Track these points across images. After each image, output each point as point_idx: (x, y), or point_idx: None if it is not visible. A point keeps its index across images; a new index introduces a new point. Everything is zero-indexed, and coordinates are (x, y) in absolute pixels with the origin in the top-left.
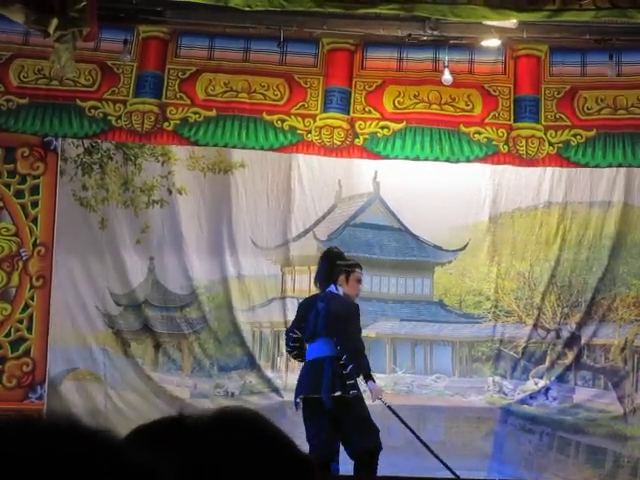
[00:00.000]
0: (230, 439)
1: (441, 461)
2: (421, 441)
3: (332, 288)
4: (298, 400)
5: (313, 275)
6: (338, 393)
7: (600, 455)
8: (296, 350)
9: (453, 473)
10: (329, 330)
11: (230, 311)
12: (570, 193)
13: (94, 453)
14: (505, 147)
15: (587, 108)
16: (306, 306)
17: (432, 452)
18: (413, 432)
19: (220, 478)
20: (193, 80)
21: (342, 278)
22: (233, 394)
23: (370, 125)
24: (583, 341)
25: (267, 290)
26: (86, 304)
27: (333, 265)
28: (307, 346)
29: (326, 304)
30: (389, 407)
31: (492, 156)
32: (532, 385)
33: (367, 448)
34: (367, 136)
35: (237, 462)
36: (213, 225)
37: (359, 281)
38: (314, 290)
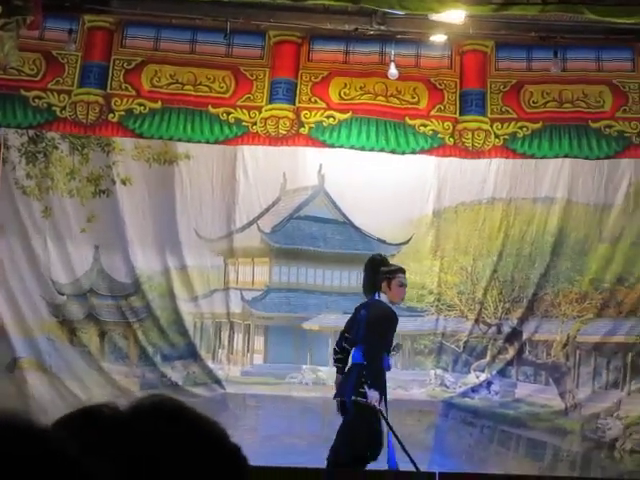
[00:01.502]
0: (162, 430)
1: (411, 460)
2: (399, 440)
3: (376, 296)
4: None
5: (256, 267)
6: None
7: (540, 449)
8: (339, 362)
9: (417, 468)
10: (365, 338)
11: (173, 301)
12: (514, 189)
13: (19, 445)
14: (451, 139)
15: (533, 101)
16: (353, 315)
17: (405, 450)
18: (395, 435)
19: (157, 470)
20: (138, 71)
21: (385, 285)
22: (177, 384)
23: (316, 114)
24: (525, 336)
25: (210, 281)
26: (30, 293)
27: (376, 273)
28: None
29: (367, 312)
30: (380, 412)
31: (438, 148)
32: (473, 379)
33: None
34: (312, 125)
35: (172, 454)
36: (157, 215)
37: (402, 285)
38: (257, 282)
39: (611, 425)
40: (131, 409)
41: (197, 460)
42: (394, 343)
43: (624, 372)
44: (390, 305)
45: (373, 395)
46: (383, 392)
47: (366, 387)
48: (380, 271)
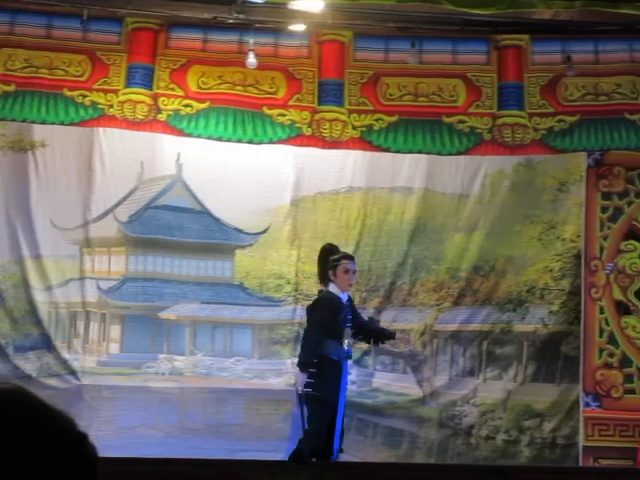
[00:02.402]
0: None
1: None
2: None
3: (329, 286)
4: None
5: (113, 256)
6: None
7: (397, 436)
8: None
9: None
10: (306, 329)
11: (27, 290)
12: (372, 178)
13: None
14: (309, 129)
15: (389, 94)
16: None
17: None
18: (303, 419)
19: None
20: None
21: (331, 273)
22: (31, 376)
23: (174, 102)
24: (382, 326)
25: (65, 270)
26: None
27: (325, 263)
28: None
29: (313, 304)
30: (299, 396)
31: (295, 138)
32: None
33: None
34: (170, 112)
35: (8, 442)
36: (11, 204)
37: (346, 272)
38: (114, 271)
39: (467, 412)
40: None
41: (38, 448)
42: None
43: (480, 360)
44: (339, 294)
45: (298, 378)
46: (335, 383)
47: (297, 370)
48: (328, 260)
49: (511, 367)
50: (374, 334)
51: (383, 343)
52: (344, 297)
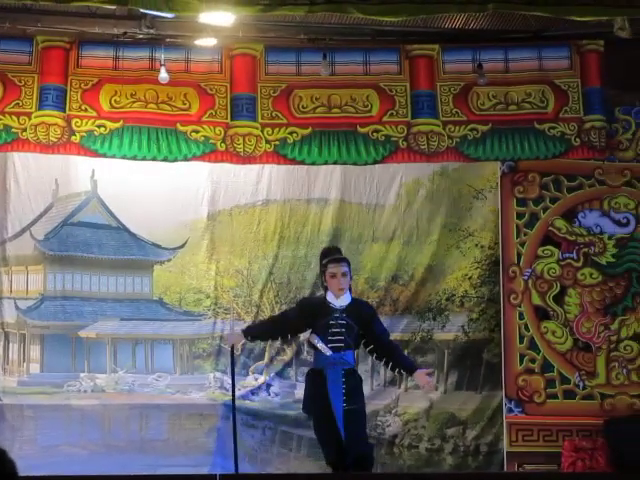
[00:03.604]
0: None
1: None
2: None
3: (327, 293)
4: None
5: (30, 275)
6: None
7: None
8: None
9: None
10: None
11: None
12: (288, 190)
13: None
14: (222, 145)
15: (302, 106)
16: None
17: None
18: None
19: None
20: None
21: (323, 279)
22: None
23: (87, 123)
24: (302, 337)
25: None
26: None
27: (321, 268)
28: None
29: None
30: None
31: (209, 154)
32: (252, 381)
33: None
34: (84, 134)
35: None
36: None
37: (333, 276)
38: (32, 290)
39: (390, 422)
40: None
41: None
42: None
43: None
44: (334, 300)
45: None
46: (320, 395)
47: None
48: (321, 264)
49: (433, 376)
50: (392, 359)
51: (400, 373)
52: (339, 303)
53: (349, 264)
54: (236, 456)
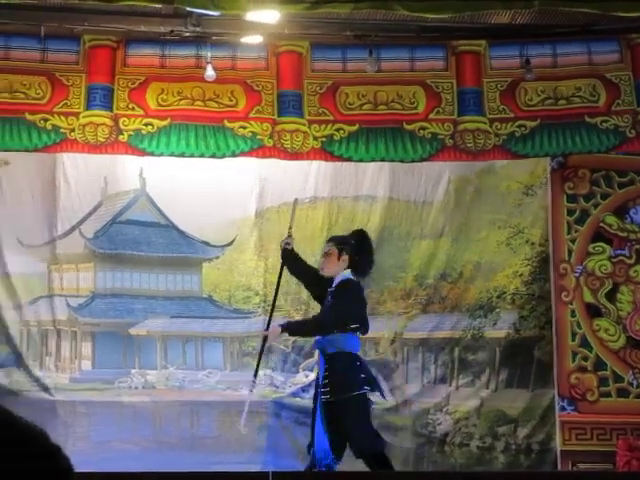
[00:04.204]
0: None
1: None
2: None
3: None
4: None
5: (80, 273)
6: None
7: None
8: None
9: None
10: None
11: None
12: (335, 188)
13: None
14: (270, 141)
15: (349, 103)
16: None
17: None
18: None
19: None
20: None
21: None
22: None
23: (134, 122)
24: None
25: (34, 288)
26: None
27: None
28: None
29: None
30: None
31: (257, 150)
32: (302, 378)
33: None
34: (131, 133)
35: None
36: None
37: (326, 254)
38: (82, 288)
39: (441, 420)
40: None
41: (13, 461)
42: None
43: (452, 367)
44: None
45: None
46: None
47: None
48: None
49: (483, 374)
50: None
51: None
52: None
53: (339, 243)
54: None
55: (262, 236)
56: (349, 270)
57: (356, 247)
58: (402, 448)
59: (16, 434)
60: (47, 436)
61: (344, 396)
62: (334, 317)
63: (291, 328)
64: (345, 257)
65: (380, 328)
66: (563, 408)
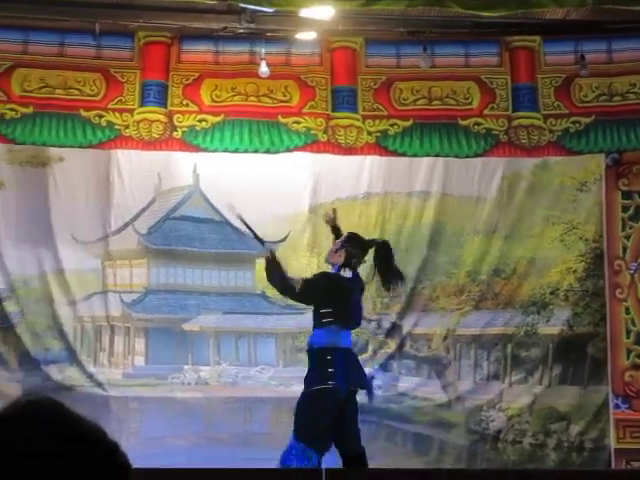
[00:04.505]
0: (34, 429)
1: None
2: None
3: None
4: None
5: (134, 269)
6: None
7: (426, 442)
8: None
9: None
10: None
11: (50, 305)
12: (389, 183)
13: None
14: (324, 136)
15: (403, 99)
16: None
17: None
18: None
19: (28, 471)
20: (8, 76)
21: None
22: (59, 388)
23: (188, 118)
24: (405, 330)
25: (88, 284)
26: None
27: None
28: None
29: None
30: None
31: (311, 145)
32: None
33: None
34: (185, 129)
35: (45, 454)
36: (32, 219)
37: (333, 245)
38: (135, 284)
39: (494, 417)
40: (4, 410)
41: (72, 458)
42: None
43: (504, 363)
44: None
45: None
46: None
47: None
48: None
49: (537, 370)
50: None
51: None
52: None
53: (344, 240)
54: None
55: (315, 232)
56: (346, 268)
57: (358, 252)
58: (455, 445)
59: (76, 431)
60: (105, 433)
61: (307, 390)
62: (301, 286)
63: (269, 263)
64: (341, 253)
65: (433, 324)
66: (617, 406)
